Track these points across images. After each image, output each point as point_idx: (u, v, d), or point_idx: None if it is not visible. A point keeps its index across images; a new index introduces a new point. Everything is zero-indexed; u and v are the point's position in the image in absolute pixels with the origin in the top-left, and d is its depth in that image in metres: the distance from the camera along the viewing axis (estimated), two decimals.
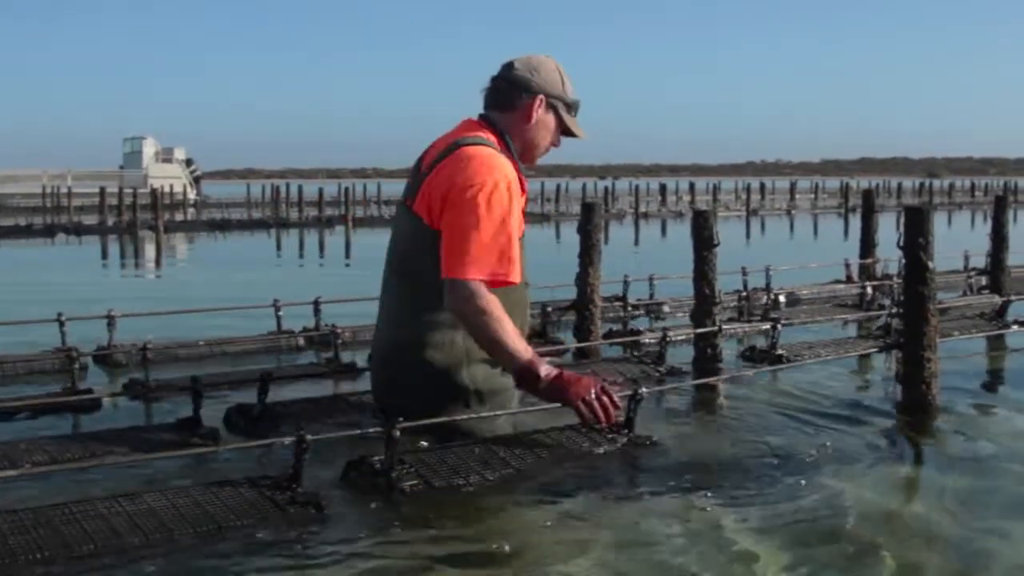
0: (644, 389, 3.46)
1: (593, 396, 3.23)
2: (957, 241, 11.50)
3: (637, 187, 37.89)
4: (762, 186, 44.86)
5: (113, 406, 4.25)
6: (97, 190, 31.84)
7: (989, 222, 8.09)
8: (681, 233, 18.23)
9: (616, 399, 3.29)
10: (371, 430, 3.07)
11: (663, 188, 44.58)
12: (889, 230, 5.32)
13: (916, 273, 4.07)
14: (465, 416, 3.35)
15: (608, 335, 5.96)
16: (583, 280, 5.76)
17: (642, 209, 33.22)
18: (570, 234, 6.17)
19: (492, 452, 3.21)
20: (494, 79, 3.65)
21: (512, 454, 3.21)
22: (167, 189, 35.11)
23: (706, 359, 4.96)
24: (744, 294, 7.29)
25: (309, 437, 2.79)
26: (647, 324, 6.91)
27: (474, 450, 3.20)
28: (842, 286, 8.31)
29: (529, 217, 3.50)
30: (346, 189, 28.96)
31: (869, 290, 7.72)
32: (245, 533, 2.63)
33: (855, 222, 12.71)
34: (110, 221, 26.59)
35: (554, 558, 2.56)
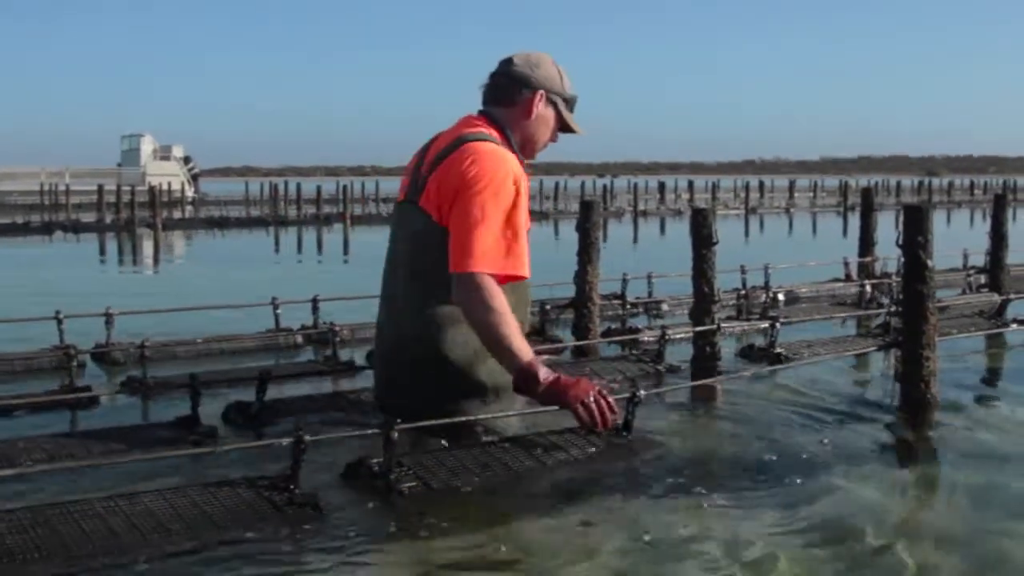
0: (642, 391, 3.45)
1: (591, 399, 3.23)
2: (956, 239, 11.50)
3: (636, 185, 37.89)
4: (761, 184, 44.88)
5: (111, 404, 4.25)
6: (95, 188, 31.82)
7: (988, 220, 8.09)
8: (680, 231, 18.24)
9: (613, 403, 3.28)
10: (370, 431, 3.07)
11: (662, 186, 44.58)
12: (888, 228, 5.33)
13: (915, 271, 4.06)
14: (464, 418, 3.33)
15: (607, 333, 5.96)
16: (582, 278, 5.76)
17: (641, 207, 33.22)
18: (569, 232, 6.16)
19: (491, 454, 3.20)
20: (493, 75, 3.66)
21: (511, 456, 3.20)
22: (165, 187, 35.05)
23: (705, 357, 4.95)
24: (743, 292, 7.29)
25: (307, 438, 2.78)
26: (646, 322, 6.91)
27: (473, 452, 3.19)
28: (841, 284, 8.31)
29: (528, 215, 3.50)
30: (344, 187, 28.94)
31: (868, 288, 7.73)
32: (243, 534, 2.62)
33: (854, 220, 12.73)
34: (108, 219, 26.56)
35: (552, 560, 2.55)
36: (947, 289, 8.14)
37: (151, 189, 25.31)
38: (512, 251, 3.34)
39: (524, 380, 3.25)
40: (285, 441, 2.82)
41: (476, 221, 3.29)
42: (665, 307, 7.26)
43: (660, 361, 4.83)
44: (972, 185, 53.60)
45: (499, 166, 3.38)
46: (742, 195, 38.98)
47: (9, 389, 4.46)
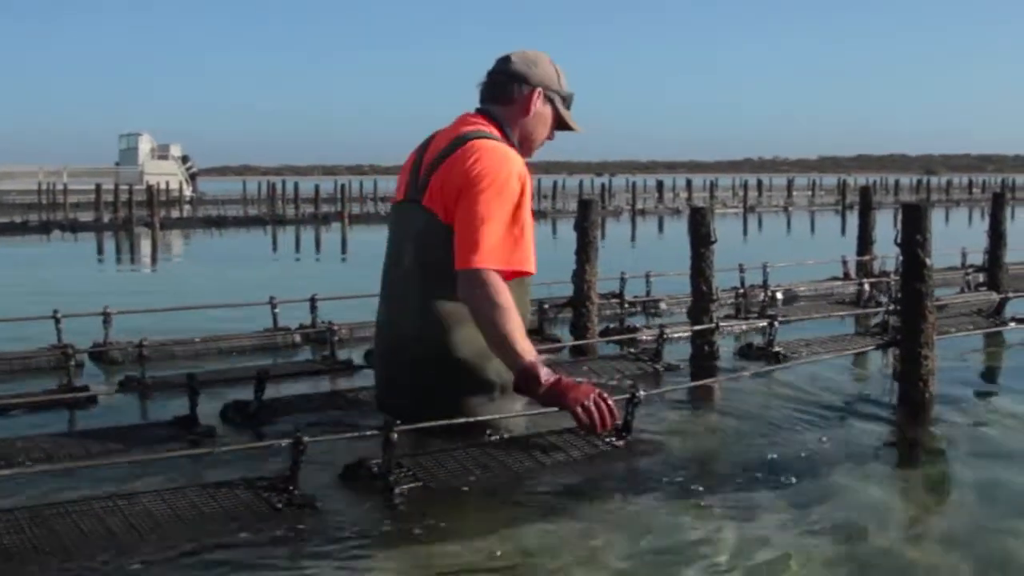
0: (642, 392, 3.45)
1: (591, 402, 3.22)
2: (954, 238, 11.52)
3: (634, 184, 37.88)
4: (759, 183, 44.88)
5: (109, 403, 4.24)
6: (93, 187, 31.80)
7: (987, 219, 8.09)
8: (678, 230, 18.25)
9: (614, 406, 3.28)
10: (369, 432, 3.06)
11: (660, 185, 44.55)
12: (886, 227, 5.32)
13: (913, 270, 4.06)
14: (462, 419, 3.32)
15: (605, 332, 5.95)
16: (580, 277, 5.75)
17: (639, 206, 33.23)
18: (567, 231, 6.16)
19: (490, 455, 3.19)
20: (491, 73, 3.67)
21: (511, 457, 3.19)
22: (163, 186, 35.09)
23: (703, 356, 4.96)
24: (741, 291, 7.28)
25: (306, 439, 2.78)
26: (644, 321, 6.90)
27: (473, 453, 3.18)
28: (839, 283, 8.31)
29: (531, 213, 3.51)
30: (342, 186, 28.92)
31: (866, 287, 7.72)
32: (241, 535, 2.61)
33: (852, 219, 12.75)
34: (106, 218, 26.56)
35: (552, 561, 2.54)
36: (945, 288, 8.14)
37: (149, 188, 25.31)
38: (518, 247, 3.34)
39: (525, 380, 3.24)
40: (284, 442, 2.81)
41: (482, 218, 3.29)
42: (663, 306, 7.26)
43: (658, 360, 4.82)
44: (970, 184, 53.62)
45: (503, 163, 3.38)
46: (740, 194, 38.99)
47: (7, 388, 4.46)
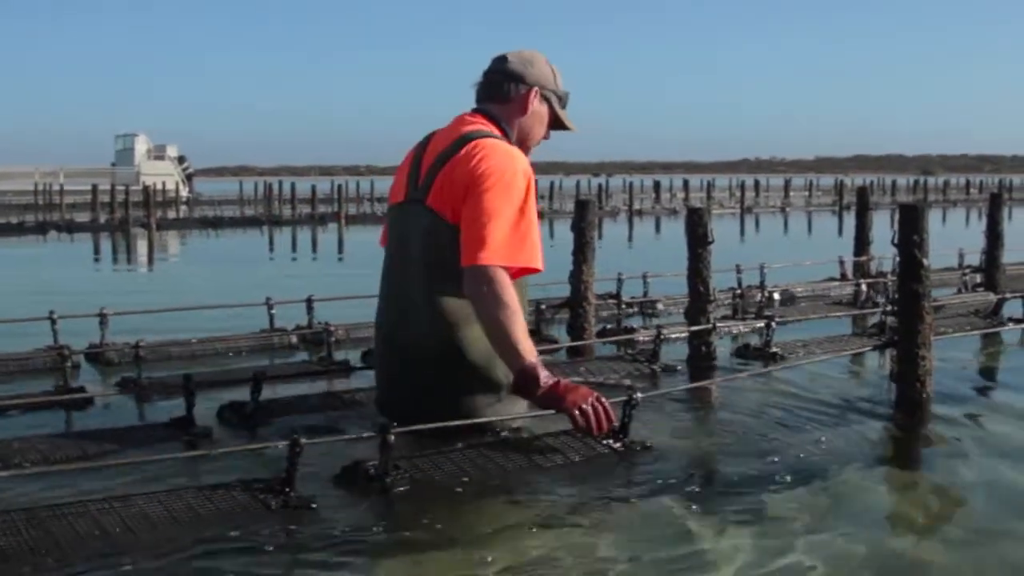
0: (639, 394, 3.45)
1: (588, 406, 3.22)
2: (952, 238, 11.53)
3: (631, 184, 37.88)
4: (756, 183, 44.90)
5: (105, 404, 4.23)
6: (89, 187, 31.79)
7: (984, 219, 8.09)
8: (675, 230, 18.26)
9: (611, 410, 3.27)
10: (367, 434, 3.05)
11: (657, 185, 44.54)
12: (884, 227, 5.33)
13: (911, 271, 4.06)
14: (461, 421, 3.31)
15: (602, 333, 5.95)
16: (577, 278, 5.75)
17: (636, 206, 33.23)
18: (564, 231, 6.16)
19: (487, 457, 3.18)
20: (487, 72, 3.68)
21: (508, 459, 3.18)
22: (159, 186, 35.06)
23: (700, 357, 4.96)
24: (738, 292, 7.28)
25: (303, 441, 2.77)
26: (641, 322, 6.90)
27: (470, 455, 3.18)
28: (836, 284, 8.31)
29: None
30: (339, 186, 28.93)
31: (864, 288, 7.72)
32: (238, 537, 2.60)
33: (849, 219, 12.76)
34: (102, 219, 26.57)
35: (550, 564, 2.54)
36: (943, 288, 8.15)
37: (145, 189, 25.33)
38: (525, 243, 3.35)
39: (524, 381, 3.25)
40: (281, 444, 2.81)
41: (489, 215, 3.29)
42: (660, 307, 7.25)
43: (655, 361, 4.82)
44: (968, 184, 53.67)
45: (509, 161, 3.39)
46: (737, 194, 39.02)
47: (3, 389, 4.45)
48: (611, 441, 3.34)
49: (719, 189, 46.98)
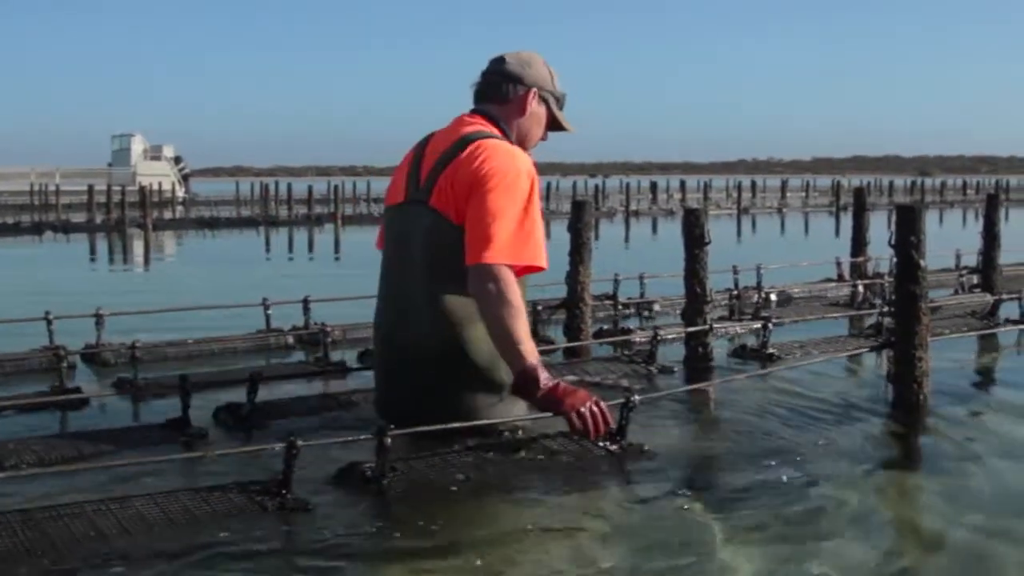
0: (637, 396, 3.44)
1: (587, 409, 3.22)
2: (949, 239, 11.52)
3: (628, 185, 37.89)
4: (753, 184, 44.88)
5: (101, 405, 4.22)
6: (85, 188, 31.75)
7: (981, 220, 8.10)
8: (672, 231, 18.24)
9: (608, 413, 3.27)
10: (363, 436, 3.04)
11: (654, 186, 44.55)
12: (880, 228, 5.32)
13: (908, 272, 4.06)
14: (458, 424, 3.30)
15: (598, 334, 5.95)
16: (573, 278, 5.75)
17: (633, 207, 33.24)
18: (560, 232, 6.15)
19: (484, 459, 3.17)
20: (485, 73, 3.68)
21: (505, 461, 3.18)
22: (155, 187, 34.99)
23: (697, 358, 4.95)
24: (735, 293, 7.28)
25: (300, 443, 2.76)
26: (638, 323, 6.90)
27: (467, 457, 3.17)
28: (833, 285, 8.31)
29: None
30: (335, 187, 28.91)
31: (860, 289, 7.72)
32: (234, 539, 2.59)
33: (846, 220, 12.75)
34: (98, 219, 26.52)
35: (545, 566, 2.54)
36: (940, 289, 8.15)
37: (141, 189, 25.29)
38: (529, 242, 3.35)
39: (524, 382, 3.25)
40: (278, 446, 2.80)
41: (492, 214, 3.30)
42: (657, 308, 7.24)
43: (652, 362, 4.82)
44: (965, 185, 53.69)
45: (512, 161, 3.40)
46: (734, 195, 39.02)
47: None
48: (608, 443, 3.34)
49: (716, 190, 46.95)
